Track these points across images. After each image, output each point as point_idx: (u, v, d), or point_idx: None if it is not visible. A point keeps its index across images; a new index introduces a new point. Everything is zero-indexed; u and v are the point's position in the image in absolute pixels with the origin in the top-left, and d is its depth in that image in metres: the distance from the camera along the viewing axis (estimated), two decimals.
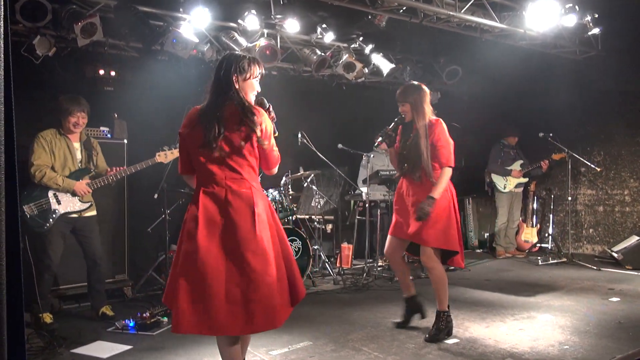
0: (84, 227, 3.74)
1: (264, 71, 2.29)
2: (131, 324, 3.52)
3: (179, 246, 2.17)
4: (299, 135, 4.86)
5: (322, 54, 5.41)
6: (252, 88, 2.25)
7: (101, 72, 4.84)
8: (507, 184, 6.12)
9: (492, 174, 6.22)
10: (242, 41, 4.88)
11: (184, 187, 4.65)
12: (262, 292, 2.03)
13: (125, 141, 4.60)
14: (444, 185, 3.04)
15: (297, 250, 4.70)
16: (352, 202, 6.20)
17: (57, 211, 3.58)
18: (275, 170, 2.29)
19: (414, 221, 3.06)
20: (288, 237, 4.24)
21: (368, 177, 5.21)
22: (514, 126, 6.27)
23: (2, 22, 0.95)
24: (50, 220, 3.54)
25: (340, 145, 5.26)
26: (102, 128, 4.47)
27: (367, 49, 5.69)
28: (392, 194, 5.25)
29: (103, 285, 3.89)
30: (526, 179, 6.18)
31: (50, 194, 3.57)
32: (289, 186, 5.01)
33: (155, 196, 4.39)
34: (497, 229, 6.24)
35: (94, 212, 3.79)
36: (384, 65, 5.83)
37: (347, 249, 5.67)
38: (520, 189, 6.23)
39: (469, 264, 5.82)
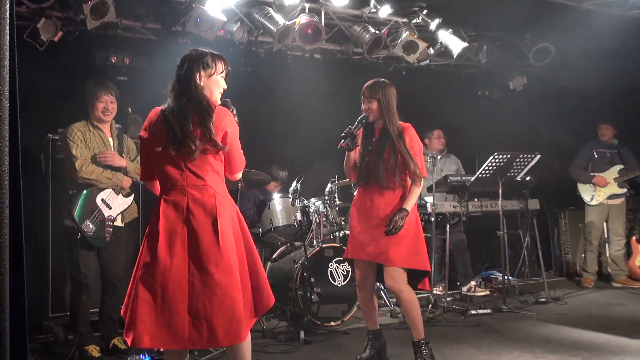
0: (112, 238, 3.85)
1: (229, 68, 2.54)
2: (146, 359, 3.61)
3: (139, 257, 2.41)
4: None
5: (377, 31, 5.40)
6: (217, 85, 2.51)
7: (113, 59, 4.99)
8: (596, 194, 5.90)
9: (578, 182, 6.06)
10: (279, 18, 4.93)
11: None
12: (226, 305, 2.30)
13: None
14: (417, 197, 3.23)
15: (345, 274, 4.65)
16: None
17: (111, 217, 3.80)
18: (239, 175, 2.55)
19: (378, 240, 3.19)
20: (334, 258, 4.58)
21: (434, 183, 5.15)
22: (608, 118, 6.07)
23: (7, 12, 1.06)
24: (110, 229, 3.76)
25: None
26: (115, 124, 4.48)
27: (433, 24, 5.67)
28: (465, 204, 5.28)
29: (118, 314, 3.93)
30: (623, 190, 5.91)
31: (99, 200, 3.74)
32: (336, 195, 5.06)
33: None
34: (582, 252, 6.13)
35: (134, 215, 4.06)
36: (454, 44, 5.80)
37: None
38: (619, 201, 5.96)
39: (566, 295, 5.63)
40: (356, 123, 3.34)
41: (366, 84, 3.42)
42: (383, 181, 3.27)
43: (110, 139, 3.97)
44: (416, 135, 3.35)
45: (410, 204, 3.21)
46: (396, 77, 6.15)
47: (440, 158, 5.56)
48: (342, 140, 3.27)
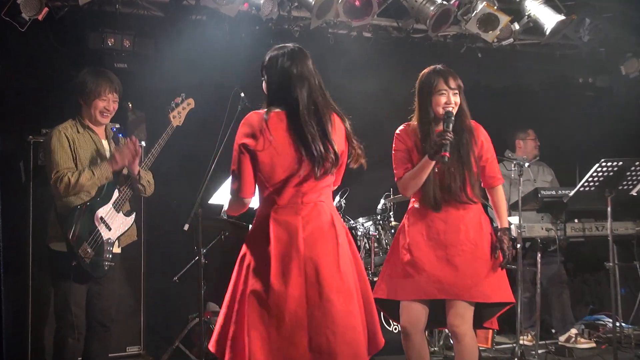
0: (111, 267, 3.90)
1: None
2: None
3: (238, 285, 2.63)
4: None
5: (444, 1, 5.33)
6: None
7: (110, 41, 4.98)
8: None
9: None
10: None
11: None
12: (350, 337, 2.55)
13: (144, 144, 4.76)
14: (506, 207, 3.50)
15: None
16: None
17: (110, 241, 3.86)
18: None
19: (463, 271, 3.27)
20: None
21: (520, 199, 5.00)
22: None
23: None
24: (109, 255, 3.84)
25: None
26: (110, 125, 4.46)
27: None
28: (562, 226, 5.06)
29: None
30: None
31: (98, 218, 3.81)
32: (391, 214, 5.01)
33: (186, 227, 4.08)
34: None
35: (132, 239, 4.11)
36: (547, 17, 5.65)
37: None
38: None
39: None
40: (447, 123, 3.33)
41: (443, 70, 3.44)
42: (463, 196, 3.35)
43: (105, 142, 4.01)
44: (488, 135, 3.50)
45: (507, 219, 3.42)
46: (470, 61, 6.07)
47: (529, 165, 5.37)
48: (444, 148, 3.23)
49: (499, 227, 3.39)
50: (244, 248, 2.74)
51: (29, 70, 4.78)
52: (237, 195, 2.76)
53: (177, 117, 4.10)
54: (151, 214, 4.84)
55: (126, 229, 3.95)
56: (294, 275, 2.55)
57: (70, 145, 3.82)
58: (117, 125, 4.62)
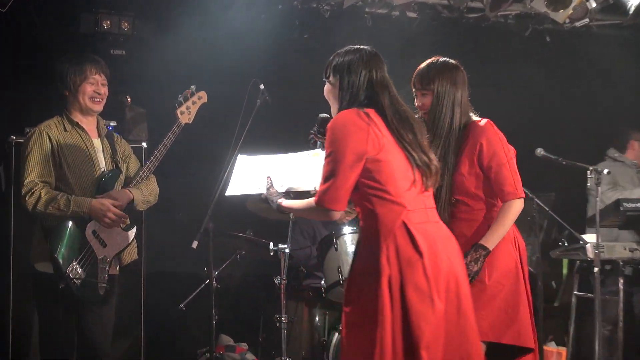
0: (107, 290, 3.88)
1: None
2: None
3: (384, 311, 2.67)
4: None
5: None
6: None
7: (106, 24, 4.93)
8: None
9: None
10: None
11: (242, 227, 4.79)
12: (477, 356, 2.82)
13: (145, 145, 4.71)
14: (505, 227, 3.29)
15: None
16: (564, 261, 6.11)
17: (106, 259, 3.83)
18: None
19: None
20: None
21: (598, 212, 4.92)
22: None
23: None
24: (105, 276, 3.82)
25: (540, 151, 5.17)
26: (106, 122, 4.48)
27: None
28: None
29: None
30: None
31: (89, 232, 3.79)
32: None
33: (194, 244, 4.25)
34: None
35: (132, 257, 4.09)
36: None
37: (555, 354, 5.45)
38: None
39: None
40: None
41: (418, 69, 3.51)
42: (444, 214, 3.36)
43: (97, 141, 3.98)
44: (497, 135, 3.38)
45: (493, 238, 3.26)
46: (537, 46, 5.99)
47: (608, 172, 5.13)
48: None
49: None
50: (382, 270, 2.71)
51: (9, 59, 4.76)
52: (329, 205, 2.86)
53: (186, 113, 4.08)
54: (152, 229, 4.76)
55: (125, 245, 3.91)
56: (442, 290, 2.71)
57: (54, 149, 3.81)
58: (113, 124, 4.62)
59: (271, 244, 4.33)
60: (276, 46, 5.27)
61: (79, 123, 3.87)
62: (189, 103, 4.08)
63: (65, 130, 3.84)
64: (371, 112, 2.82)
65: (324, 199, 2.83)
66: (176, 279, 5.08)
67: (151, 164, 3.97)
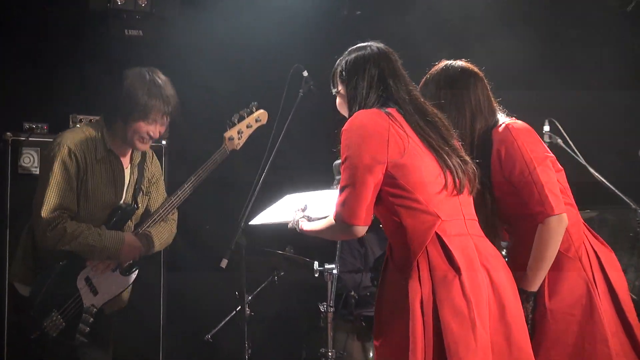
0: (89, 339, 3.84)
1: None
2: None
3: (416, 339, 2.64)
4: (547, 129, 4.84)
5: None
6: None
7: (120, 0, 4.95)
8: None
9: None
10: None
11: (281, 243, 4.74)
12: None
13: (165, 143, 4.79)
14: (546, 261, 3.19)
15: None
16: None
17: (93, 308, 3.82)
18: None
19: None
20: None
21: None
22: None
23: None
24: (87, 328, 3.81)
25: None
26: None
27: None
28: None
29: None
30: None
31: (81, 280, 3.81)
32: None
33: (223, 264, 4.20)
34: None
35: (122, 304, 4.09)
36: None
37: None
38: None
39: None
40: None
41: None
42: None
43: (127, 171, 3.98)
44: (518, 139, 3.27)
45: (534, 278, 3.16)
46: (633, 25, 5.96)
47: None
48: None
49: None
50: (411, 290, 2.69)
51: (7, 42, 4.78)
52: (348, 219, 2.83)
53: (236, 138, 4.03)
54: (174, 244, 4.59)
55: (118, 292, 3.91)
56: (484, 314, 2.68)
57: (79, 175, 3.80)
58: None
59: (316, 263, 4.22)
60: (322, 26, 5.31)
61: (114, 151, 3.86)
62: (243, 126, 4.03)
63: (96, 157, 3.81)
64: (392, 111, 2.82)
65: (342, 213, 2.82)
66: (201, 305, 5.04)
67: (177, 199, 3.96)
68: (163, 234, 4.00)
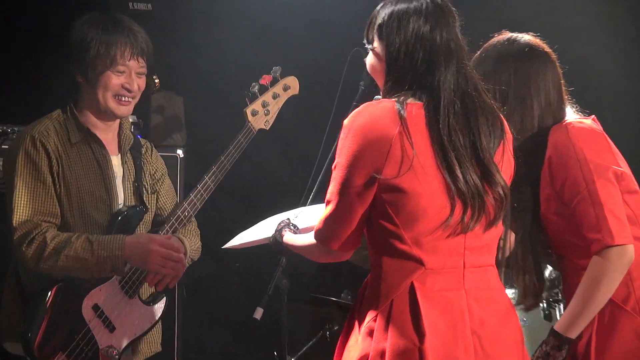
0: None
1: None
2: None
3: None
4: None
5: None
6: None
7: None
8: None
9: None
10: None
11: (335, 286, 4.91)
12: None
13: (181, 153, 4.95)
14: (596, 302, 3.18)
15: None
16: None
17: (113, 351, 3.81)
18: None
19: None
20: None
21: None
22: None
23: None
24: None
25: None
26: (133, 120, 4.63)
27: None
28: None
29: None
30: None
31: (87, 307, 3.78)
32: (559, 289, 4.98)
33: (258, 314, 4.32)
34: None
35: (155, 349, 4.15)
36: None
37: None
38: None
39: None
40: None
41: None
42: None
43: (116, 158, 3.95)
44: (575, 145, 3.25)
45: (576, 321, 3.18)
46: None
47: None
48: None
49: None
50: (362, 345, 2.69)
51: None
52: (328, 243, 2.81)
53: (261, 113, 4.01)
54: (194, 284, 4.90)
55: (146, 329, 3.88)
56: None
57: (50, 165, 3.75)
58: (137, 120, 4.84)
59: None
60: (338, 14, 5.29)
61: (92, 130, 3.80)
62: (268, 97, 4.00)
63: (69, 141, 3.78)
64: (414, 107, 2.67)
65: (322, 233, 2.81)
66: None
67: (197, 198, 3.91)
68: (193, 241, 4.00)
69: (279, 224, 3.29)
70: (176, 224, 3.88)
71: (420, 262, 2.65)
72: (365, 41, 2.82)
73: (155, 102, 4.90)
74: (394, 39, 2.76)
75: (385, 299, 2.68)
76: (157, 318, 3.94)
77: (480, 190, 2.67)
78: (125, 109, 3.86)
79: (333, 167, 2.74)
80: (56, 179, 3.75)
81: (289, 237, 3.17)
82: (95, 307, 3.73)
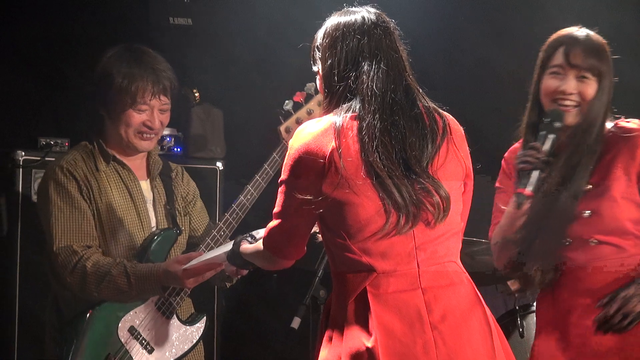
0: None
1: None
2: None
3: None
4: None
5: None
6: None
7: None
8: None
9: None
10: None
11: None
12: None
13: (221, 165, 4.94)
14: None
15: None
16: None
17: None
18: None
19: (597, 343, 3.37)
20: None
21: None
22: None
23: None
24: None
25: None
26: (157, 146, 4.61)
27: None
28: None
29: None
30: None
31: (124, 329, 3.81)
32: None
33: (295, 324, 4.18)
34: None
35: None
36: None
37: None
38: None
39: None
40: (544, 132, 3.49)
41: (573, 36, 3.54)
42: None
43: (145, 183, 3.99)
44: None
45: None
46: None
47: None
48: (522, 180, 3.39)
49: None
50: (323, 353, 2.75)
51: (16, 39, 4.79)
52: (272, 250, 2.90)
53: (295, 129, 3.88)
54: (230, 303, 4.98)
55: (185, 349, 3.88)
56: None
57: (81, 191, 3.78)
58: (169, 132, 4.86)
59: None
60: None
61: (118, 157, 3.85)
62: (302, 114, 3.97)
63: (97, 169, 3.82)
64: (351, 120, 2.71)
65: (267, 242, 2.88)
66: None
67: (233, 217, 3.91)
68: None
69: (238, 237, 3.29)
70: (212, 244, 3.90)
71: (372, 268, 2.67)
72: (312, 63, 2.91)
73: (195, 115, 4.92)
74: (326, 56, 2.81)
75: (343, 306, 2.71)
76: (197, 338, 3.96)
77: (414, 200, 2.67)
78: (147, 144, 3.87)
79: (279, 181, 2.79)
80: (89, 204, 3.80)
81: (244, 247, 3.18)
82: (132, 329, 3.77)
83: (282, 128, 3.95)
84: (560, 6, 5.61)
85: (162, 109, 3.84)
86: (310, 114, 4.01)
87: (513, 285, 3.90)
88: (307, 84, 3.97)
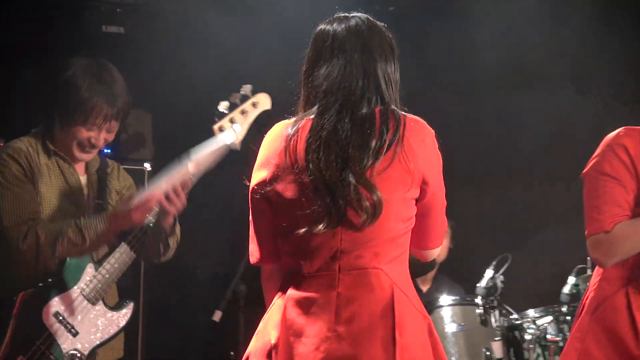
0: None
1: None
2: None
3: None
4: None
5: None
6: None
7: None
8: None
9: None
10: None
11: None
12: None
13: (148, 166, 5.00)
14: None
15: None
16: None
17: (76, 356, 3.80)
18: (436, 252, 2.98)
19: None
20: None
21: None
22: None
23: None
24: None
25: None
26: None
27: None
28: None
29: None
30: None
31: (51, 314, 3.78)
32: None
33: (217, 317, 4.54)
34: None
35: (117, 353, 4.13)
36: None
37: None
38: None
39: None
40: None
41: None
42: None
43: (83, 178, 4.02)
44: None
45: None
46: None
47: None
48: None
49: None
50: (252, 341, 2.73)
51: None
52: (250, 258, 2.86)
53: (230, 129, 3.97)
54: (155, 293, 4.90)
55: (112, 333, 3.88)
56: None
57: (26, 176, 3.84)
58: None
59: None
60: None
61: (60, 153, 3.91)
62: (237, 114, 3.96)
63: (39, 161, 3.92)
64: (304, 124, 2.72)
65: (250, 250, 2.87)
66: None
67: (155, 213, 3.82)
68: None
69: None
70: (139, 234, 3.89)
71: (298, 269, 2.70)
72: None
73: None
74: (305, 61, 2.83)
75: (269, 305, 2.75)
76: (124, 323, 3.94)
77: (343, 202, 2.65)
78: (86, 157, 3.93)
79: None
80: (33, 186, 3.86)
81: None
82: (56, 314, 3.76)
83: (215, 127, 3.94)
84: None
85: (109, 130, 3.90)
86: (244, 114, 4.03)
87: None
88: (243, 86, 4.02)
